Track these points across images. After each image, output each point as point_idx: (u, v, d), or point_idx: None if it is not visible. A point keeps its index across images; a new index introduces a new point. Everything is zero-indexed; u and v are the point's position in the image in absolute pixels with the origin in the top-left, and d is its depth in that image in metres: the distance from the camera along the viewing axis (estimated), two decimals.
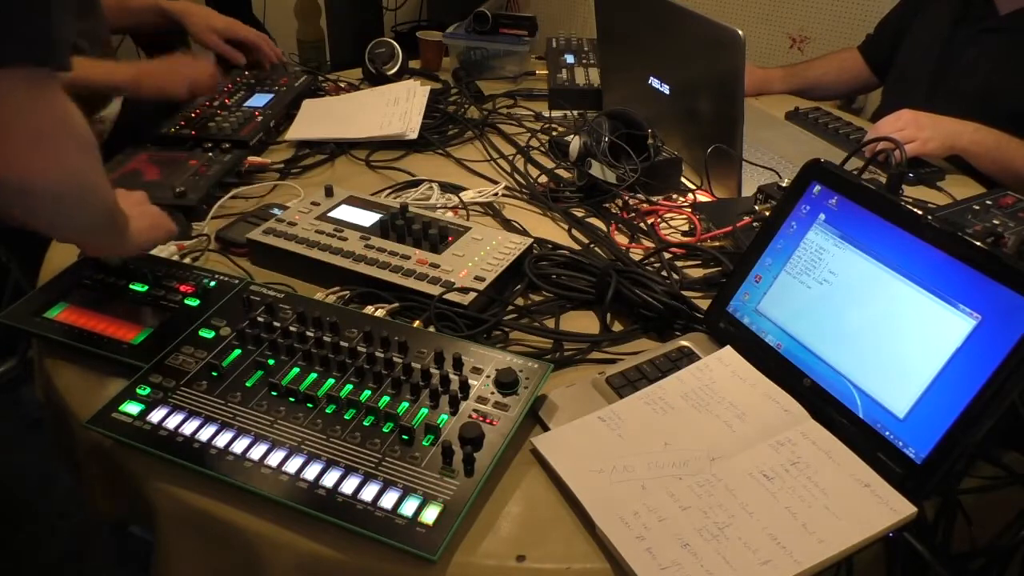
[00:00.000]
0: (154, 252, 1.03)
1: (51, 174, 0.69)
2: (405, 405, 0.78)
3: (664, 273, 1.06)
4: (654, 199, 1.24)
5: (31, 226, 0.76)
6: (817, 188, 0.86)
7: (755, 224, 1.09)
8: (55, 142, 0.69)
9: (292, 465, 0.72)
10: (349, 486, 0.70)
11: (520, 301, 1.00)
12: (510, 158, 1.39)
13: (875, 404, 0.75)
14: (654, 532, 0.67)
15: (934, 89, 1.54)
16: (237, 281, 0.95)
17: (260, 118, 1.45)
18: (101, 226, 0.83)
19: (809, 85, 1.81)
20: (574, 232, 1.18)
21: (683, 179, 1.32)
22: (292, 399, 0.79)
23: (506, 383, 0.79)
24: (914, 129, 1.35)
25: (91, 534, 1.63)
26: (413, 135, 1.42)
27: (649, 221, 1.20)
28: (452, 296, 0.94)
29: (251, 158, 1.33)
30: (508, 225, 1.19)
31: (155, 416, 0.77)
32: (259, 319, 0.88)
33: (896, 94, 1.66)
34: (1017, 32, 1.45)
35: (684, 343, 0.91)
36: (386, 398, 0.79)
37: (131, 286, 0.95)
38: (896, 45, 1.69)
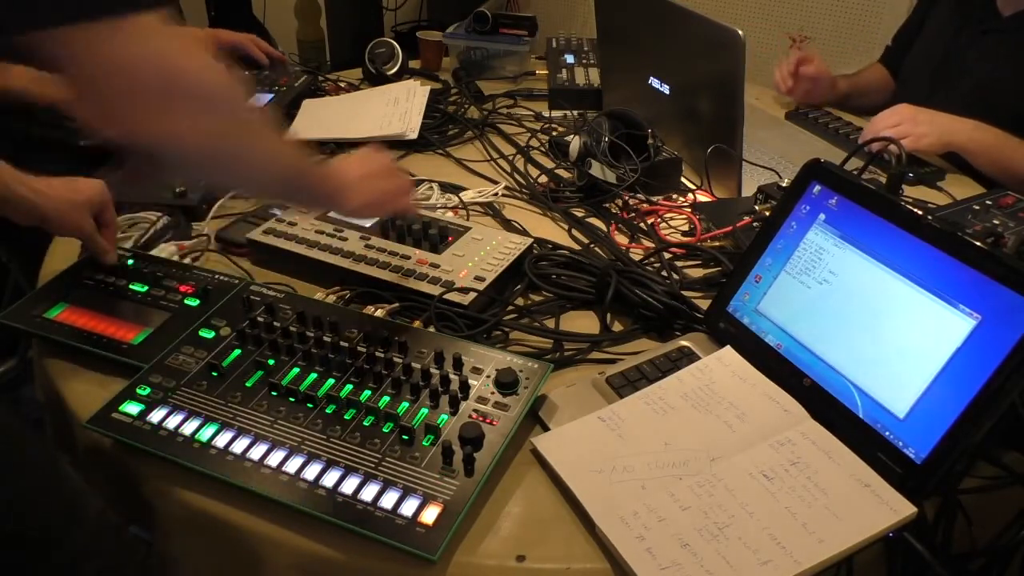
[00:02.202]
0: (154, 252, 1.03)
1: (177, 138, 0.66)
2: (405, 405, 0.78)
3: (664, 273, 1.06)
4: (654, 199, 1.24)
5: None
6: (817, 188, 0.86)
7: (755, 224, 1.09)
8: (162, 102, 0.64)
9: (292, 465, 0.72)
10: (349, 486, 0.70)
11: (520, 301, 1.00)
12: (510, 158, 1.39)
13: (875, 404, 0.75)
14: (654, 532, 0.67)
15: (935, 90, 1.54)
16: (237, 281, 0.95)
17: None
18: (280, 189, 0.84)
19: (863, 89, 1.76)
20: (574, 232, 1.18)
21: (683, 179, 1.32)
22: (292, 399, 0.79)
23: (506, 383, 0.79)
24: (910, 124, 1.34)
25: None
26: (413, 135, 1.42)
27: (649, 221, 1.20)
28: (452, 296, 0.94)
29: None
30: (508, 225, 1.19)
31: (155, 416, 0.77)
32: (259, 319, 0.88)
33: (900, 96, 1.66)
34: (1019, 33, 1.45)
35: (684, 343, 0.91)
36: (386, 398, 0.79)
37: (131, 286, 0.95)
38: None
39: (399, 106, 1.50)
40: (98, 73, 0.61)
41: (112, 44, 0.60)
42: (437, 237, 1.05)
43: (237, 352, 0.84)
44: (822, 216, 0.85)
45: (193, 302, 0.92)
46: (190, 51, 0.64)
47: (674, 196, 1.27)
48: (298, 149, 0.80)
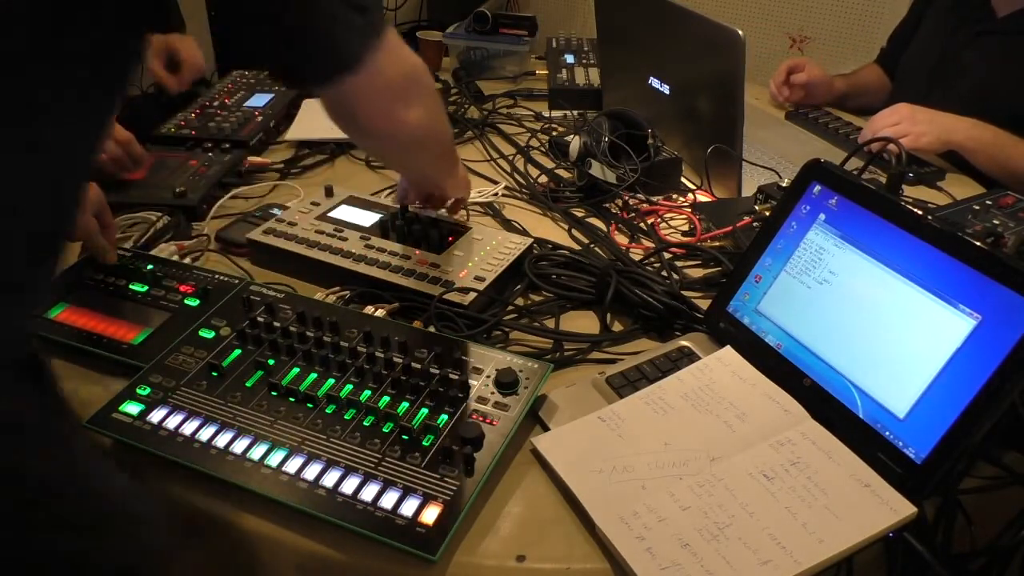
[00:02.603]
0: (154, 252, 1.03)
1: (407, 125, 0.81)
2: (405, 405, 0.78)
3: (664, 273, 1.06)
4: (654, 199, 1.24)
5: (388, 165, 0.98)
6: (817, 188, 0.86)
7: (755, 224, 1.09)
8: (408, 96, 0.79)
9: (292, 465, 0.72)
10: (349, 486, 0.70)
11: (520, 301, 1.00)
12: (510, 158, 1.39)
13: (875, 404, 0.75)
14: (654, 532, 0.67)
15: (932, 90, 1.54)
16: (237, 281, 0.95)
17: (260, 118, 1.45)
18: (445, 156, 0.98)
19: (861, 89, 1.77)
20: (574, 232, 1.18)
21: (683, 179, 1.32)
22: (292, 399, 0.79)
23: (506, 383, 0.79)
24: (909, 123, 1.35)
25: None
26: None
27: (649, 221, 1.20)
28: (452, 296, 0.94)
29: (251, 158, 1.33)
30: (508, 225, 1.19)
31: (155, 416, 0.77)
32: (259, 319, 0.88)
33: (897, 96, 1.66)
34: (1015, 33, 1.45)
35: (684, 343, 0.91)
36: (386, 398, 0.79)
37: (131, 286, 0.95)
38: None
39: None
40: (370, 90, 0.75)
41: (383, 64, 0.73)
42: (437, 237, 1.05)
43: (237, 352, 0.84)
44: (822, 216, 0.85)
45: (193, 302, 0.92)
46: (411, 50, 0.78)
47: (674, 196, 1.27)
48: None
